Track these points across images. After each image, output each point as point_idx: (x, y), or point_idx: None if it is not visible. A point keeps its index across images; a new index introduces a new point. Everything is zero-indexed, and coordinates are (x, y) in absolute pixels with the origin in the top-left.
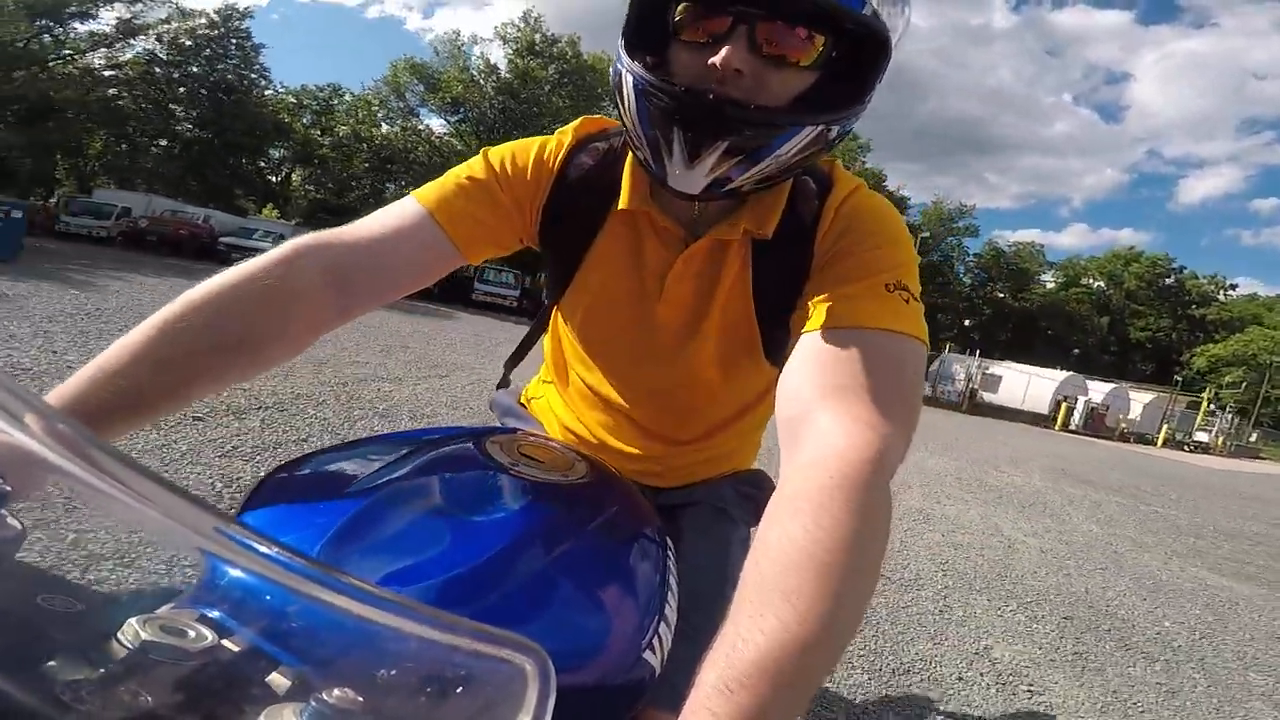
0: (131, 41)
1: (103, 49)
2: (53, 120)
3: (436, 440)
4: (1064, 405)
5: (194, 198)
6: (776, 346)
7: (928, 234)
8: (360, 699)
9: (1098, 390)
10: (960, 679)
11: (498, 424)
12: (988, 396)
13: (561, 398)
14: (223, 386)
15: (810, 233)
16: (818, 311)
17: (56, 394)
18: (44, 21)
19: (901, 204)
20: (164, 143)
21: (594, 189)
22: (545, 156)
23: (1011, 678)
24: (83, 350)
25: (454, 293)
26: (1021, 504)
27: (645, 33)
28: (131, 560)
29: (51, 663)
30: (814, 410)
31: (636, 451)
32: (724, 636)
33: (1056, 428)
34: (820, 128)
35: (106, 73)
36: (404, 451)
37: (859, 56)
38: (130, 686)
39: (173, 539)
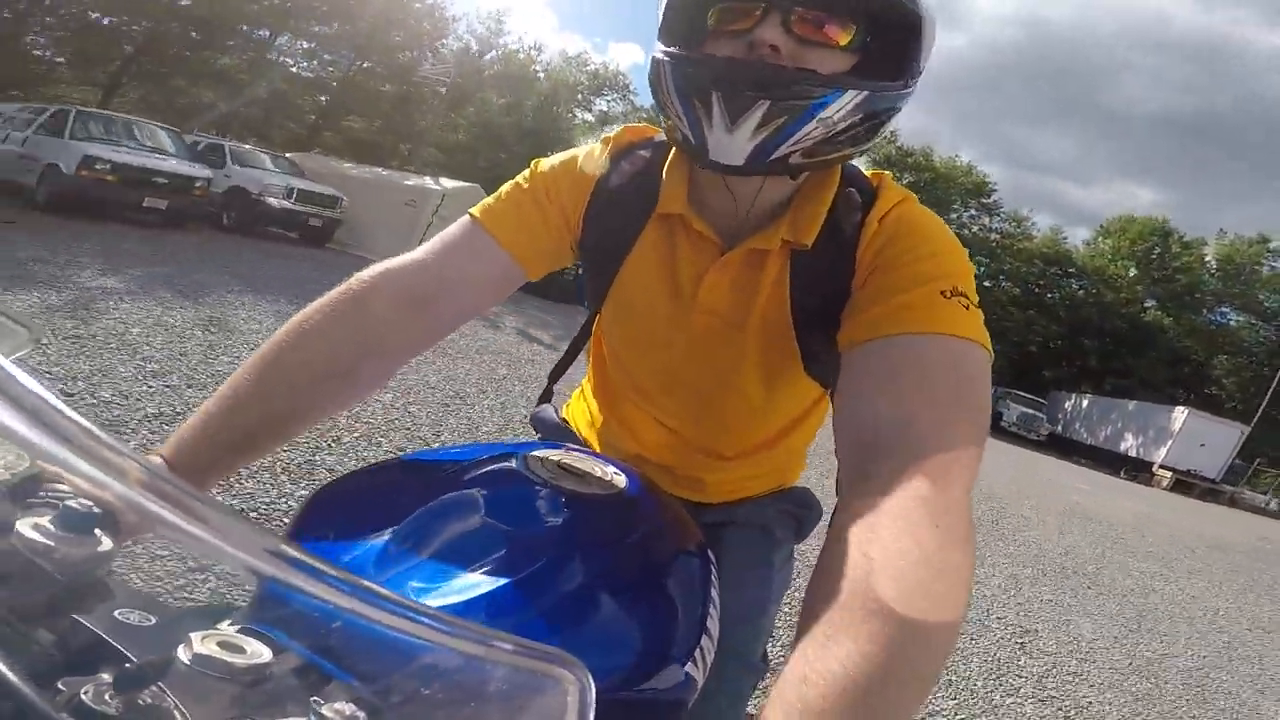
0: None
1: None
2: None
3: (480, 457)
4: None
5: None
6: (816, 360)
7: None
8: (360, 713)
9: None
10: None
11: (539, 439)
12: None
13: (603, 411)
14: (326, 415)
15: (852, 244)
16: (873, 322)
17: (172, 441)
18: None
19: None
20: None
21: (634, 195)
22: (587, 164)
23: None
24: None
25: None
26: None
27: (682, 33)
28: (198, 579)
29: (105, 674)
30: (878, 423)
31: (679, 466)
32: (792, 670)
33: None
34: (862, 94)
35: None
36: (448, 469)
37: (894, 38)
38: (182, 699)
39: (229, 560)
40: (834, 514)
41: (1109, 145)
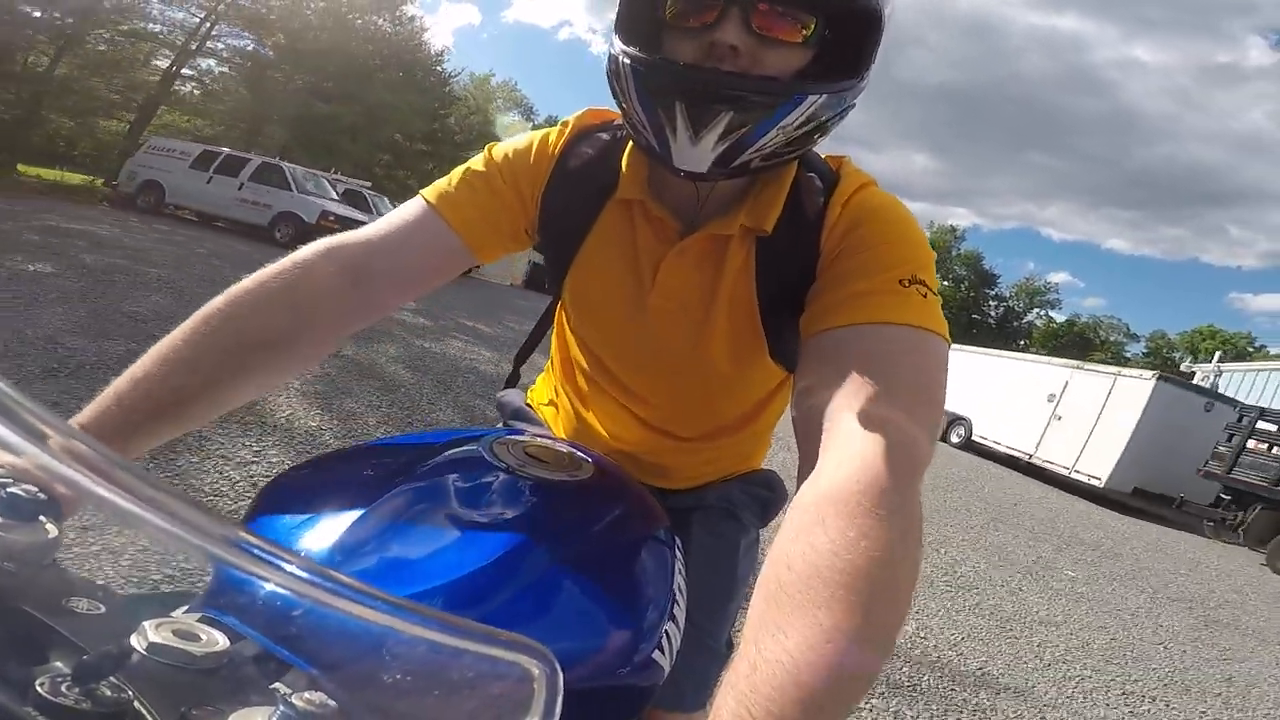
0: None
1: None
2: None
3: (443, 443)
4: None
5: None
6: (783, 346)
7: (1016, 305)
8: (331, 702)
9: None
10: None
11: (504, 425)
12: None
13: (568, 396)
14: (261, 386)
15: (815, 229)
16: (830, 310)
17: (98, 402)
18: None
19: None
20: None
21: (593, 178)
22: (545, 146)
23: None
24: None
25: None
26: None
27: (638, 24)
28: (150, 566)
29: (58, 663)
30: (833, 412)
31: (644, 451)
32: (742, 657)
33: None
34: (822, 98)
35: None
36: (411, 455)
37: (853, 32)
38: (129, 687)
39: (184, 546)
40: (793, 503)
41: (896, 115)
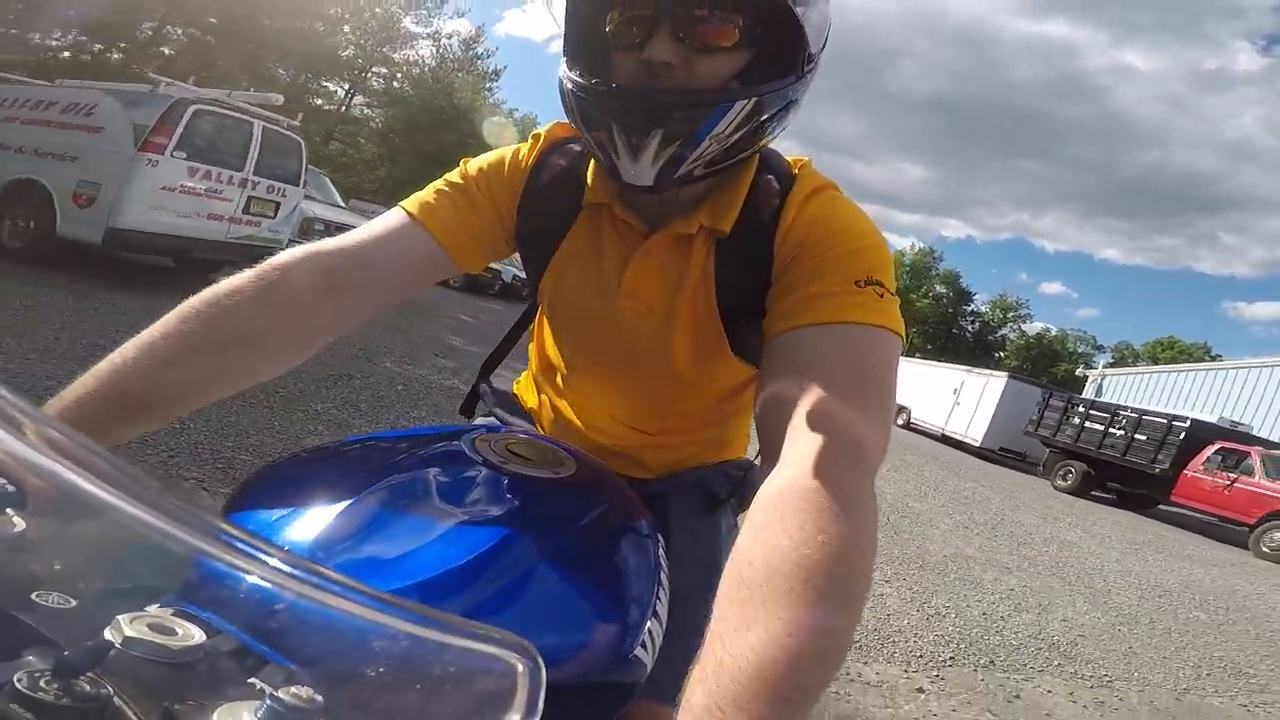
0: None
1: None
2: None
3: (425, 438)
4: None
5: None
6: (745, 343)
7: (992, 320)
8: (318, 697)
9: None
10: None
11: (485, 422)
12: None
13: (546, 394)
14: (234, 385)
15: (769, 230)
16: (789, 312)
17: (68, 393)
18: None
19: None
20: None
21: (565, 188)
22: (517, 160)
23: None
24: None
25: None
26: None
27: (584, 44)
28: (123, 557)
29: (31, 657)
30: (790, 412)
31: (621, 446)
32: (708, 652)
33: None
34: (752, 101)
35: None
36: (392, 450)
37: (776, 31)
38: (108, 682)
39: (162, 536)
40: (754, 499)
41: (888, 126)
